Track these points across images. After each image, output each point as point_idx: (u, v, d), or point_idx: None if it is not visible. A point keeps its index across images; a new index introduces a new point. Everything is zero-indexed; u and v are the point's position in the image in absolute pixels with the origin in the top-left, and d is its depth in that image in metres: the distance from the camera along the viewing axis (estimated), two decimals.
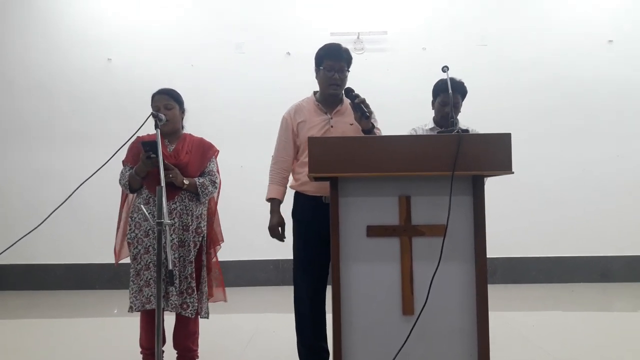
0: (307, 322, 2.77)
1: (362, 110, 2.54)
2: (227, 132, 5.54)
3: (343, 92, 2.75)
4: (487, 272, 2.11)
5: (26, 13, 5.96)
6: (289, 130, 2.80)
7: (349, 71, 2.76)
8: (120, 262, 2.97)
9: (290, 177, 2.87)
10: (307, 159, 2.61)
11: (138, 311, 2.72)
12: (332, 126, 2.73)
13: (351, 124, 2.72)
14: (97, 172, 2.47)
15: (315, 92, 2.88)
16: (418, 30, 5.90)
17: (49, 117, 5.89)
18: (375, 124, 2.71)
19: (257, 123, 5.67)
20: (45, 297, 5.41)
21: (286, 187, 2.86)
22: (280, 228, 2.80)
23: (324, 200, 2.66)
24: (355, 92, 2.62)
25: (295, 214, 2.83)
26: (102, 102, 5.88)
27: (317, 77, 2.82)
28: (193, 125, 3.11)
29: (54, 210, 2.32)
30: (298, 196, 2.80)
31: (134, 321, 2.85)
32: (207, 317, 2.86)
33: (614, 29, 5.86)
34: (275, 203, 2.82)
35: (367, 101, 2.59)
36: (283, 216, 2.83)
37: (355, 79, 3.34)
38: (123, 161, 2.87)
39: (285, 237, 2.83)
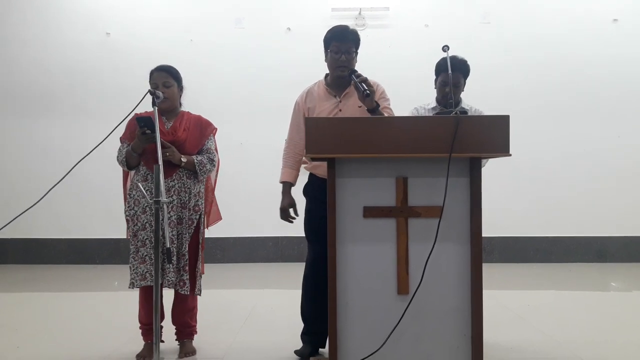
0: (310, 301, 2.83)
1: (361, 89, 2.51)
2: (226, 109, 5.51)
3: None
4: (482, 253, 2.12)
5: None
6: (300, 113, 2.83)
7: (357, 53, 2.74)
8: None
9: (305, 159, 2.90)
10: None
11: (139, 287, 2.75)
12: (340, 110, 2.74)
13: (359, 106, 2.69)
14: (98, 147, 2.47)
15: (326, 75, 2.87)
16: (420, 7, 5.82)
17: (48, 93, 5.86)
18: (385, 103, 2.71)
19: (257, 99, 5.65)
20: (45, 271, 5.47)
21: (299, 171, 2.91)
22: (291, 209, 2.86)
23: None
24: (358, 72, 2.59)
25: (306, 191, 2.88)
26: (101, 76, 5.84)
27: (326, 60, 2.80)
28: (192, 101, 3.09)
29: (52, 188, 2.32)
30: (311, 176, 2.87)
31: (134, 296, 2.88)
32: (200, 294, 2.89)
33: (619, 8, 5.78)
34: (286, 185, 2.88)
35: (370, 79, 2.57)
36: (293, 197, 2.89)
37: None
38: (120, 138, 2.86)
39: (295, 218, 2.88)
